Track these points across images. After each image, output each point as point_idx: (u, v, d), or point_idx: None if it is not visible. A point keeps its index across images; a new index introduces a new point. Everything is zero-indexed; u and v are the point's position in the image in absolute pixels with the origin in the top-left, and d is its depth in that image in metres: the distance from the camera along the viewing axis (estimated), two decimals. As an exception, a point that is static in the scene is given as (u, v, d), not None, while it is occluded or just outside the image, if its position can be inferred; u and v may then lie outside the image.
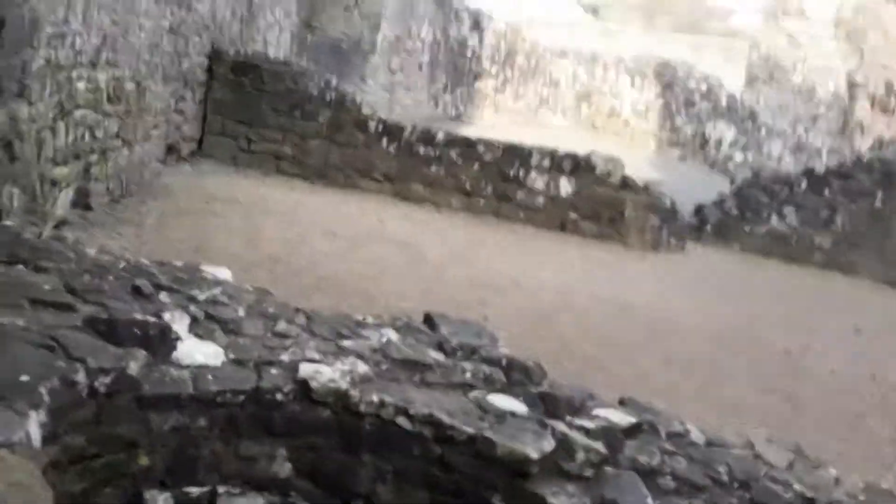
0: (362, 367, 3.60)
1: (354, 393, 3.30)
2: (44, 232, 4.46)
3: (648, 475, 3.46)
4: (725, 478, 3.77)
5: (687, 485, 3.75)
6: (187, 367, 3.18)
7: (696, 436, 4.14)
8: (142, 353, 3.03)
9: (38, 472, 2.04)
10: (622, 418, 4.11)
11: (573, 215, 9.12)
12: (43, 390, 2.56)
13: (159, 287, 3.75)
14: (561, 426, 3.39)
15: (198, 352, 3.28)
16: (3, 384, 2.48)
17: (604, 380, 4.30)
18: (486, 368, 4.02)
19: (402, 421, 3.30)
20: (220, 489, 3.13)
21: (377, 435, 3.31)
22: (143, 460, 2.91)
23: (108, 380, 2.81)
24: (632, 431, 4.06)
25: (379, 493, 3.34)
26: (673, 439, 4.16)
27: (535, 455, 3.09)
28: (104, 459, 2.78)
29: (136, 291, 3.62)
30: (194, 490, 3.06)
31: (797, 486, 3.74)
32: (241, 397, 3.14)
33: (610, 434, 3.90)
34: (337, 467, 3.33)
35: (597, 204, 9.09)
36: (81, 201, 6.33)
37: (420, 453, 3.29)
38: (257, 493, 3.23)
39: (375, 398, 3.31)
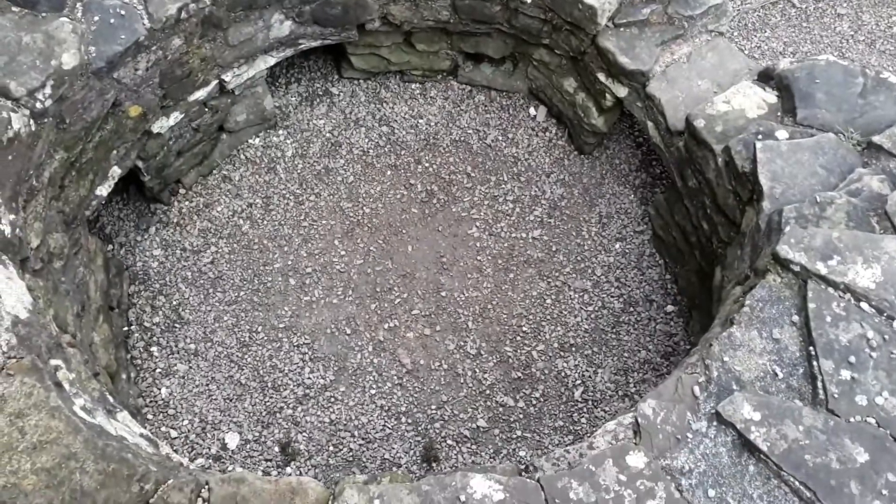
0: None
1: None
2: None
3: None
4: None
5: None
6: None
7: None
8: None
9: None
10: None
11: None
12: None
13: None
14: None
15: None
16: None
17: None
18: None
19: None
20: (226, 76, 2.70)
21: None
22: (135, 110, 2.45)
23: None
24: None
25: (393, 14, 2.85)
26: None
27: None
28: (100, 134, 2.36)
29: None
30: (198, 93, 2.66)
31: None
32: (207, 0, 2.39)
33: None
34: (341, 7, 2.75)
35: None
36: None
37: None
38: (263, 56, 2.79)
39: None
